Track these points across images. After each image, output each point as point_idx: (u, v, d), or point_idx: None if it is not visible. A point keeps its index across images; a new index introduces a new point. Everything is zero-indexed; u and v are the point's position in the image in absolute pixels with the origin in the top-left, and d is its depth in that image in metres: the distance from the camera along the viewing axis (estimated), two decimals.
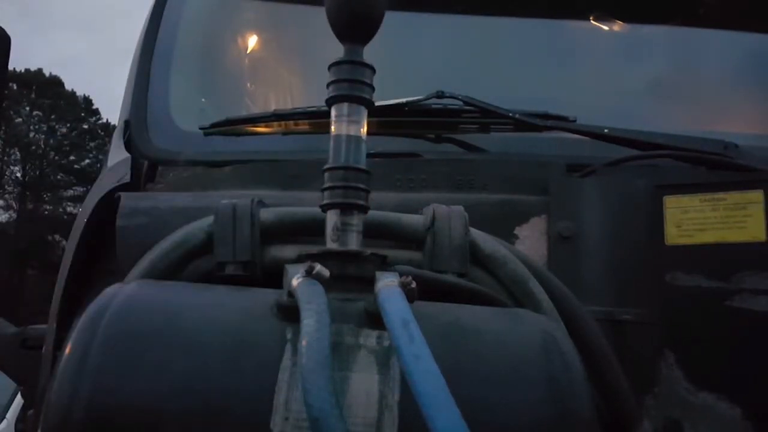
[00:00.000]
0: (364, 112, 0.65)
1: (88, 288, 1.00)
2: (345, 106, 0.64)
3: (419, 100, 1.15)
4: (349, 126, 0.64)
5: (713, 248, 0.92)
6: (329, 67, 0.65)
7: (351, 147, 0.64)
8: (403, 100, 1.15)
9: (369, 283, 0.54)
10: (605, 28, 1.39)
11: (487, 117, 1.15)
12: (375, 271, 0.55)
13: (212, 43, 1.47)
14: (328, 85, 0.65)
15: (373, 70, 0.65)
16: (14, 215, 28.21)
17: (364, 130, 0.65)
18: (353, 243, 0.62)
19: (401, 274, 0.54)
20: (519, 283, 0.74)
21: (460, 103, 1.15)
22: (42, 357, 1.00)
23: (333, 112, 0.65)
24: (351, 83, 0.64)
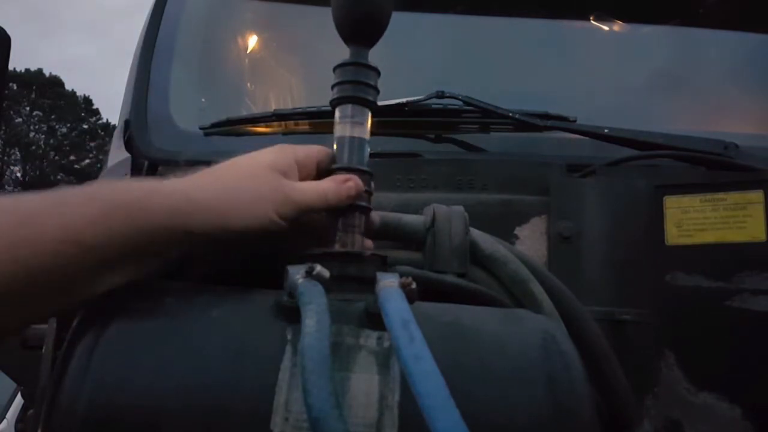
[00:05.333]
0: (368, 114, 0.65)
1: None
2: (349, 108, 0.64)
3: (419, 100, 1.15)
4: (353, 128, 0.64)
5: (713, 248, 0.92)
6: (334, 69, 0.66)
7: (354, 148, 0.64)
8: (403, 100, 1.15)
9: (369, 284, 0.54)
10: (605, 28, 1.39)
11: (487, 117, 1.15)
12: (375, 272, 0.55)
13: (212, 43, 1.47)
14: (332, 87, 0.66)
15: (378, 73, 0.66)
16: None
17: (367, 132, 0.65)
18: (354, 244, 0.62)
19: (402, 275, 0.54)
20: (519, 284, 0.74)
21: (460, 103, 1.15)
22: (42, 357, 1.00)
23: (337, 114, 0.65)
24: (355, 85, 0.64)
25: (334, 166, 0.64)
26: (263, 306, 0.54)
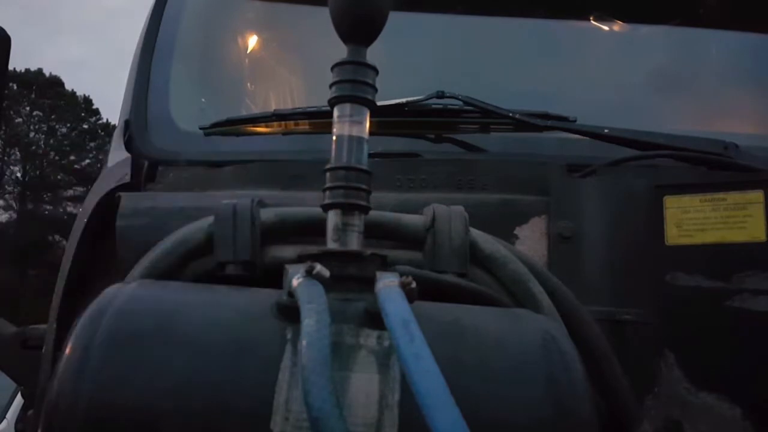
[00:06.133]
0: (367, 113, 0.65)
1: (88, 288, 1.00)
2: (348, 107, 0.64)
3: (419, 100, 1.15)
4: (352, 126, 0.64)
5: (713, 248, 0.92)
6: (332, 68, 0.65)
7: (353, 147, 0.64)
8: (403, 100, 1.15)
9: (369, 283, 0.54)
10: (605, 27, 1.39)
11: (487, 117, 1.15)
12: (375, 271, 0.55)
13: (212, 42, 1.47)
14: (331, 86, 0.65)
15: (376, 71, 0.65)
16: (14, 215, 28.19)
17: (366, 130, 0.65)
18: (354, 243, 0.62)
19: (401, 274, 0.54)
20: (519, 284, 0.74)
21: (460, 103, 1.15)
22: (42, 357, 1.00)
23: (335, 113, 0.65)
24: (354, 84, 0.64)
25: (331, 165, 0.64)
26: (263, 306, 0.54)
